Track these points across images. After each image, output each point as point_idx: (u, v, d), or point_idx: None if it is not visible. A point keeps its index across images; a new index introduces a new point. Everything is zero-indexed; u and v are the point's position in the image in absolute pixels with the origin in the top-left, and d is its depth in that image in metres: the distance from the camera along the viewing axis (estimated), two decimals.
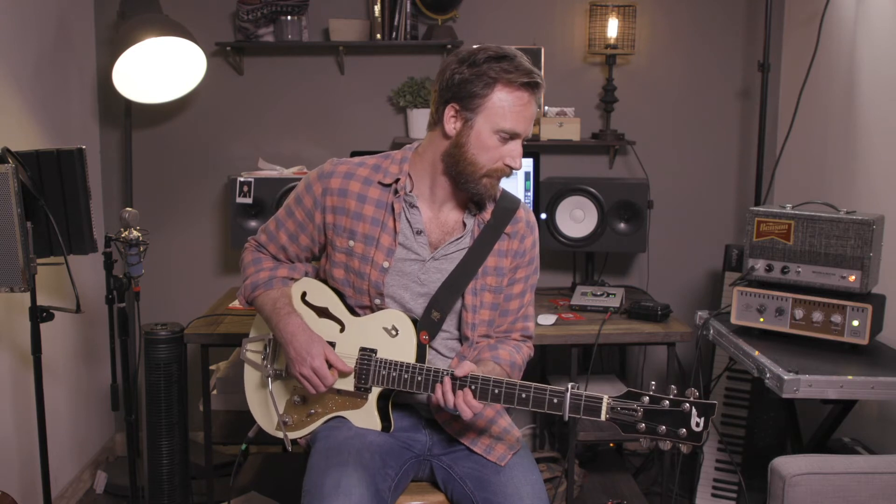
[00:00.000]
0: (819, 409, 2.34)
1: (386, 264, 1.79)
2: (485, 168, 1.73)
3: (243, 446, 2.03)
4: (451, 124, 1.73)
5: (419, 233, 1.81)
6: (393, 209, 1.80)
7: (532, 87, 1.70)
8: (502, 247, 1.85)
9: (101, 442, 3.27)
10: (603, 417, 1.59)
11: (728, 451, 2.80)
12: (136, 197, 3.21)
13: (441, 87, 1.74)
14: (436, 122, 1.77)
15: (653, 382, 1.62)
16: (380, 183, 1.81)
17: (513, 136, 1.72)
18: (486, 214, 1.84)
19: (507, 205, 1.86)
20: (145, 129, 3.27)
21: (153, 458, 2.62)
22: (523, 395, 1.64)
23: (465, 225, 1.84)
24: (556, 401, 1.62)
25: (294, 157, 3.28)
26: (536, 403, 1.64)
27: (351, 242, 1.81)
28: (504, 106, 1.69)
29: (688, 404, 1.55)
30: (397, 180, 1.81)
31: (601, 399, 1.60)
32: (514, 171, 1.78)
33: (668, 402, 1.56)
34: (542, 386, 1.64)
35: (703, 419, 1.54)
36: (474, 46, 1.75)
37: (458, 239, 1.83)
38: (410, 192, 1.81)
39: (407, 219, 1.81)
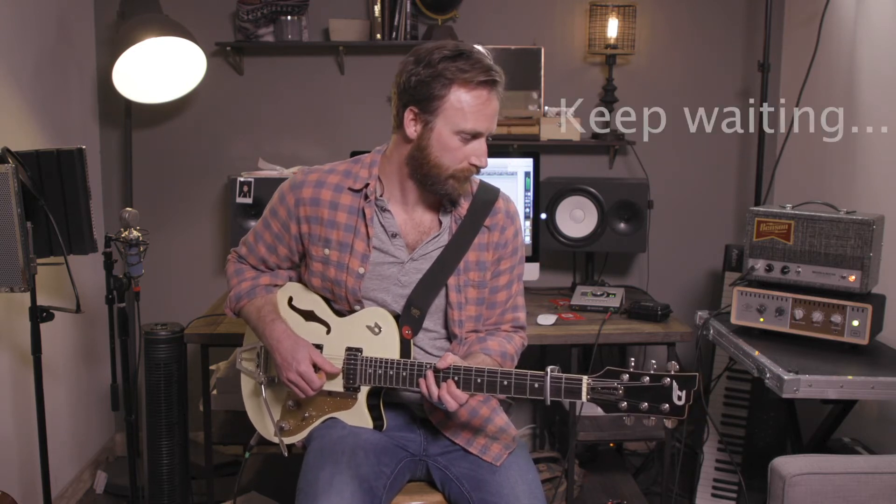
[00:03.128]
0: (819, 409, 2.34)
1: (361, 270, 1.79)
2: (450, 169, 1.72)
3: (246, 455, 2.04)
4: (412, 127, 1.72)
5: (394, 235, 1.80)
6: (364, 214, 1.79)
7: (490, 84, 1.68)
8: (482, 240, 1.84)
9: (101, 442, 3.27)
10: (584, 398, 1.59)
11: (728, 451, 2.80)
12: (136, 197, 3.21)
13: (399, 90, 1.72)
14: (398, 126, 1.75)
15: (632, 359, 1.61)
16: (350, 189, 1.80)
17: (475, 135, 1.70)
18: (462, 210, 1.83)
19: (485, 197, 1.85)
20: (145, 129, 3.27)
21: (153, 458, 2.62)
22: (505, 383, 1.64)
23: (441, 223, 1.83)
24: (536, 385, 1.63)
25: (294, 157, 3.28)
26: (518, 389, 1.64)
27: (326, 251, 1.80)
28: (462, 107, 1.67)
29: (668, 378, 1.55)
30: (367, 185, 1.80)
31: (581, 380, 1.60)
32: (480, 170, 1.76)
33: (648, 378, 1.56)
34: (522, 372, 1.64)
35: (684, 392, 1.54)
36: (430, 44, 1.71)
37: (435, 237, 1.82)
38: (381, 195, 1.81)
39: (381, 223, 1.80)
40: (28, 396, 2.38)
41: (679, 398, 1.54)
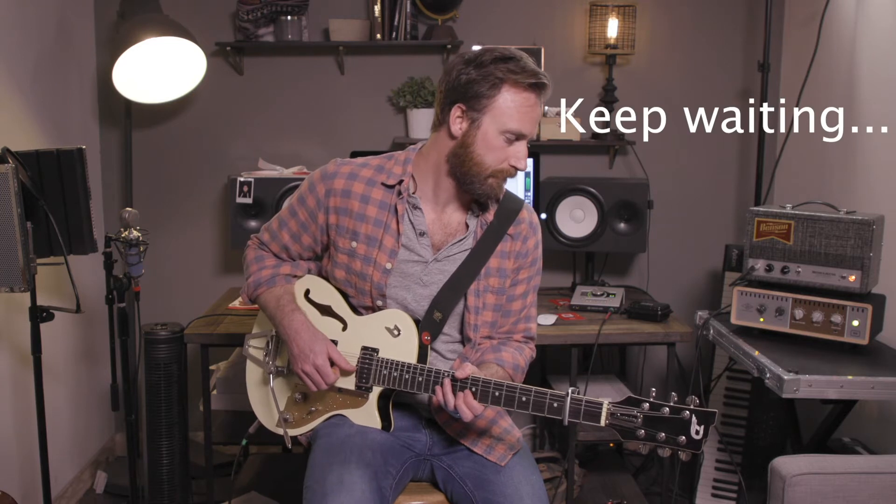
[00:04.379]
0: (819, 409, 2.34)
1: (388, 265, 1.79)
2: (490, 168, 1.74)
3: (244, 442, 2.03)
4: (458, 125, 1.73)
5: (422, 234, 1.81)
6: (396, 210, 1.80)
7: (538, 87, 1.70)
8: (505, 248, 1.85)
9: (101, 442, 3.27)
10: (602, 423, 1.59)
11: (728, 451, 2.80)
12: (136, 197, 3.21)
13: (447, 88, 1.74)
14: (441, 123, 1.77)
15: (653, 389, 1.62)
16: (383, 184, 1.81)
17: (519, 136, 1.72)
18: (489, 216, 1.84)
19: (510, 206, 1.86)
20: (145, 129, 3.27)
21: (153, 458, 2.62)
22: (523, 399, 1.65)
23: (467, 226, 1.84)
24: (556, 405, 1.63)
25: (294, 157, 3.28)
26: (536, 407, 1.64)
27: (353, 243, 1.81)
28: (511, 107, 1.69)
29: (688, 412, 1.55)
30: (401, 181, 1.81)
31: (601, 404, 1.60)
32: (518, 172, 1.78)
33: (668, 409, 1.56)
34: (542, 390, 1.64)
35: (702, 427, 1.54)
36: (479, 47, 1.75)
37: (460, 240, 1.83)
38: (414, 193, 1.81)
39: (410, 220, 1.81)
40: (28, 396, 2.38)
41: (697, 433, 1.54)
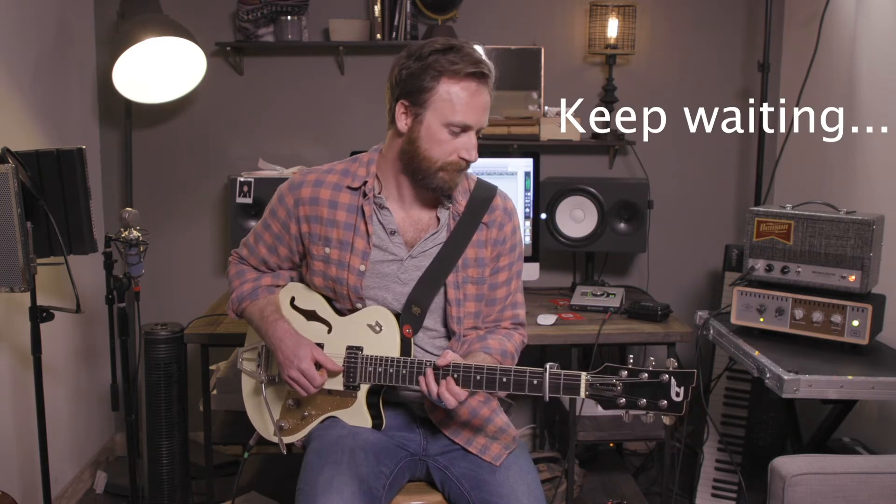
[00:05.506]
0: (819, 409, 2.34)
1: (362, 268, 1.80)
2: (439, 162, 1.73)
3: (245, 455, 2.04)
4: (403, 121, 1.74)
5: (393, 233, 1.81)
6: (363, 212, 1.80)
7: (479, 76, 1.69)
8: (481, 237, 1.84)
9: (101, 442, 3.27)
10: (582, 394, 1.60)
11: (728, 451, 2.80)
12: (136, 197, 3.21)
13: (391, 84, 1.75)
14: (391, 121, 1.78)
15: (630, 356, 1.62)
16: (349, 187, 1.82)
17: (464, 128, 1.71)
18: (460, 206, 1.83)
19: (483, 194, 1.86)
20: (145, 129, 3.27)
21: (153, 458, 2.62)
22: (504, 380, 1.65)
23: (439, 220, 1.84)
24: (535, 382, 1.63)
25: (294, 157, 3.28)
26: (517, 386, 1.64)
27: (327, 249, 1.81)
28: (451, 98, 1.68)
29: (666, 375, 1.55)
30: (365, 183, 1.81)
31: (579, 376, 1.60)
32: (470, 164, 1.76)
33: (646, 374, 1.56)
34: (521, 368, 1.65)
35: (682, 389, 1.54)
36: (423, 41, 1.74)
37: (433, 234, 1.83)
38: (379, 193, 1.82)
39: (379, 220, 1.81)
40: (28, 396, 2.38)
41: (677, 395, 1.54)
